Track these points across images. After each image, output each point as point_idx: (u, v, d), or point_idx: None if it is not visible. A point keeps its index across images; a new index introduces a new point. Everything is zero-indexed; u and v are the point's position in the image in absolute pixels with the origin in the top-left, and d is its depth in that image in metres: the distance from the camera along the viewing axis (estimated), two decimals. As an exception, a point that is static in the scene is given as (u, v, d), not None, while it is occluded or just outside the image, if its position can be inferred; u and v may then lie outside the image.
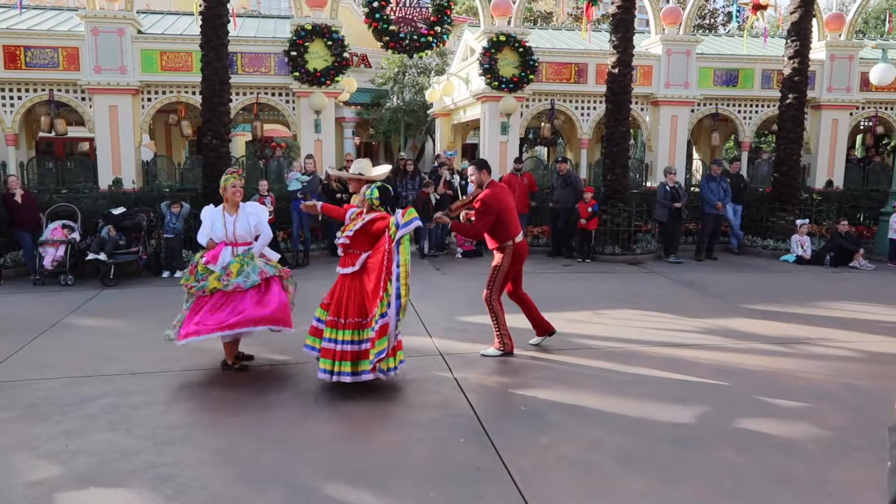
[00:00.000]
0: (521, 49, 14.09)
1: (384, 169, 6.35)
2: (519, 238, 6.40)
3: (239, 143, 24.36)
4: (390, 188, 5.69)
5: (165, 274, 10.65)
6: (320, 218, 11.76)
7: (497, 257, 6.44)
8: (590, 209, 12.14)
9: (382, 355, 5.21)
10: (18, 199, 10.21)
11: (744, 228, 13.72)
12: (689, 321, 7.88)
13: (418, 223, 5.33)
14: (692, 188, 14.80)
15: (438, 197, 12.38)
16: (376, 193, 5.52)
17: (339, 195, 12.07)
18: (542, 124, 15.43)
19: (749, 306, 8.67)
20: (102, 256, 9.96)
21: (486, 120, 14.63)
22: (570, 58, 14.86)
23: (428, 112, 21.34)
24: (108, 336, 7.24)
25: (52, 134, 13.71)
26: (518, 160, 13.30)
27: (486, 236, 6.38)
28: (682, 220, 12.54)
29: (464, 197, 6.60)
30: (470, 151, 25.43)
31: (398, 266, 5.22)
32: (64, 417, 4.95)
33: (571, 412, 5.08)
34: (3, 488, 3.91)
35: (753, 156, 17.06)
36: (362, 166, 6.10)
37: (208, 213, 5.98)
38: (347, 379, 5.29)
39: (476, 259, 12.33)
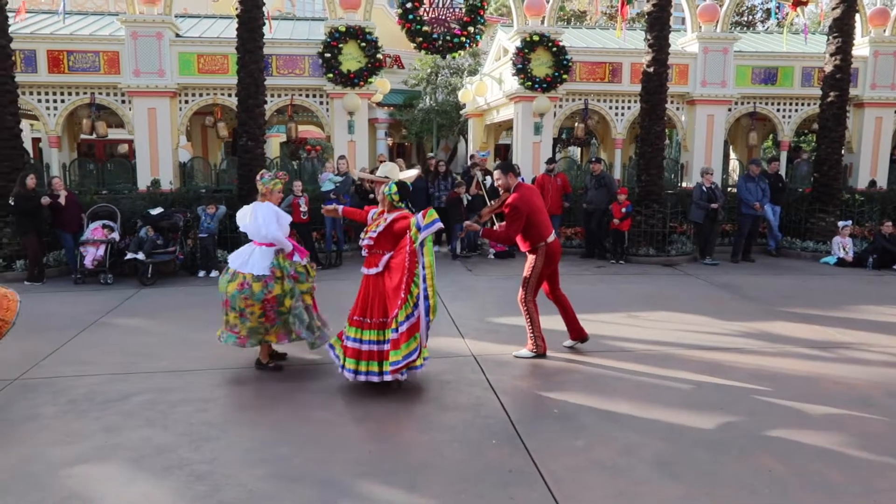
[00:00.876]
0: (554, 49, 14.01)
1: (412, 173, 6.37)
2: (551, 238, 6.37)
3: (273, 145, 24.64)
4: (409, 184, 5.70)
5: (201, 273, 10.82)
6: (342, 222, 11.85)
7: (531, 259, 6.42)
8: (623, 210, 12.02)
9: (413, 357, 5.21)
10: (62, 200, 10.46)
11: (782, 230, 13.46)
12: (725, 324, 7.76)
13: (440, 225, 5.31)
14: (729, 189, 14.56)
15: (470, 198, 12.36)
16: (394, 188, 5.52)
17: (371, 195, 12.12)
18: (576, 124, 15.33)
19: (788, 309, 8.50)
20: (141, 256, 10.15)
21: (519, 120, 14.58)
22: (604, 57, 14.73)
23: (461, 113, 21.34)
24: (146, 334, 7.38)
25: (93, 136, 14.02)
26: (551, 160, 13.22)
27: (519, 239, 6.36)
28: (718, 222, 12.34)
29: (492, 202, 6.57)
30: (503, 152, 25.36)
31: (424, 268, 5.24)
32: (103, 413, 5.05)
33: (605, 415, 5.03)
34: (44, 482, 4.01)
35: (793, 155, 16.75)
36: (389, 169, 6.11)
37: (272, 209, 5.94)
38: (375, 378, 5.32)
39: (508, 260, 12.29)
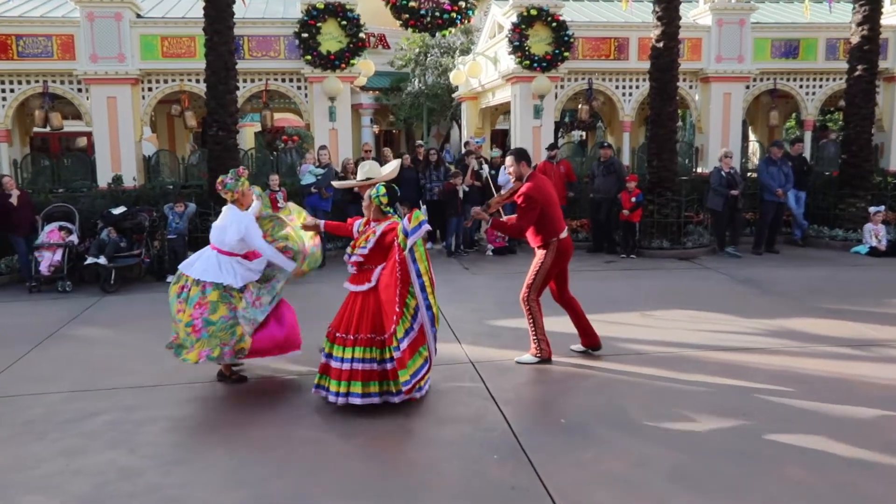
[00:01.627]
0: (554, 24, 14.00)
1: (393, 165, 6.33)
2: (564, 234, 6.38)
3: (247, 135, 24.59)
4: (396, 188, 5.64)
5: (170, 278, 10.70)
6: (322, 235, 11.76)
7: (540, 254, 6.42)
8: (633, 199, 12.01)
9: (422, 372, 5.20)
10: (14, 200, 10.39)
11: (808, 217, 13.47)
12: (748, 322, 7.75)
13: (427, 228, 5.26)
14: (749, 174, 14.57)
15: (467, 189, 12.33)
16: (383, 190, 5.43)
17: (357, 190, 12.09)
18: (580, 106, 15.31)
19: (816, 305, 8.50)
20: (102, 260, 10.10)
21: (517, 103, 14.56)
22: (609, 31, 14.73)
23: (453, 96, 21.33)
24: (110, 347, 7.35)
25: (47, 129, 13.95)
26: (553, 146, 13.21)
27: (530, 233, 6.36)
28: (739, 210, 12.35)
29: (501, 191, 6.55)
30: (500, 138, 25.35)
31: (419, 276, 5.19)
32: (63, 435, 5.02)
33: (617, 425, 5.02)
34: (-3, 513, 3.98)
35: (818, 136, 16.78)
36: (369, 169, 6.05)
37: (247, 218, 5.87)
38: (357, 401, 5.20)
39: (508, 257, 12.28)
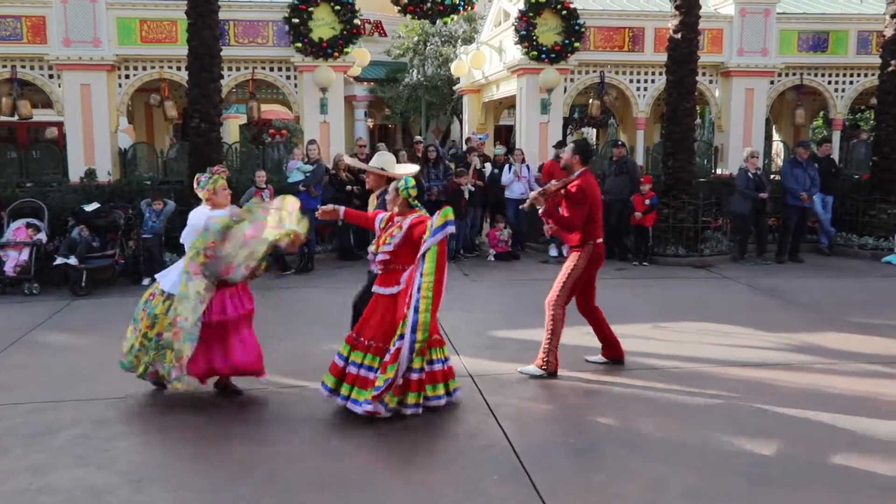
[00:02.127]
0: (564, 11, 14.01)
1: (411, 168, 6.37)
2: (600, 239, 6.51)
3: (232, 127, 24.58)
4: (423, 181, 5.67)
5: (145, 281, 10.73)
6: (339, 223, 11.77)
7: (573, 256, 6.49)
8: (647, 202, 12.02)
9: (388, 384, 5.13)
10: (-23, 194, 10.39)
11: (836, 224, 13.48)
12: (769, 336, 7.75)
13: (451, 229, 5.24)
14: (772, 176, 14.58)
15: (472, 189, 12.32)
16: (412, 183, 5.45)
17: (349, 187, 12.12)
18: (591, 101, 15.33)
19: (843, 318, 8.50)
20: (73, 261, 10.08)
21: (524, 97, 14.57)
22: (623, 21, 14.75)
23: (454, 89, 21.34)
24: (80, 354, 7.33)
25: (15, 118, 13.96)
26: (561, 144, 13.22)
27: (561, 228, 6.47)
28: (766, 214, 12.38)
29: (553, 181, 6.61)
30: (504, 134, 25.37)
31: (421, 275, 5.18)
32: (27, 450, 5.00)
33: (628, 445, 5.02)
34: (-45, 533, 3.97)
35: (848, 136, 16.77)
36: (385, 160, 6.11)
37: (207, 214, 5.88)
38: (358, 409, 5.27)
39: (511, 263, 12.28)
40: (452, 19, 15.07)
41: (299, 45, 13.48)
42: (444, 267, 5.27)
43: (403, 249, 5.37)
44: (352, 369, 5.37)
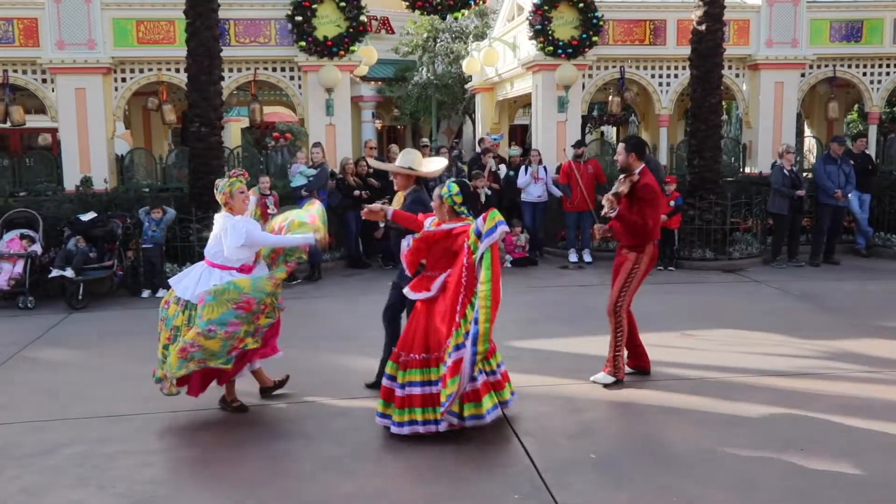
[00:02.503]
0: (580, 4, 14.01)
1: (440, 163, 6.39)
2: (657, 240, 6.61)
3: (233, 131, 24.71)
4: (469, 184, 5.66)
5: (145, 293, 10.82)
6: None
7: (632, 258, 6.52)
8: (672, 203, 11.99)
9: (451, 399, 5.10)
10: (-31, 205, 10.47)
11: (873, 223, 13.41)
12: (804, 343, 7.73)
13: (505, 229, 5.17)
14: (805, 174, 14.51)
15: (489, 192, 12.32)
16: (455, 189, 5.42)
17: (357, 192, 12.15)
18: (610, 98, 15.31)
19: (882, 324, 8.46)
20: (69, 273, 10.14)
21: (539, 94, 14.57)
22: (643, 13, 14.74)
23: (465, 87, 21.38)
24: (77, 370, 7.38)
25: (7, 124, 14.04)
26: (580, 144, 13.21)
27: (626, 231, 6.50)
28: (803, 213, 12.33)
29: (620, 183, 6.61)
30: (519, 134, 25.39)
31: (479, 283, 5.11)
32: (24, 471, 5.03)
33: (655, 461, 5.00)
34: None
35: (885, 129, 16.66)
36: (412, 158, 6.12)
37: (244, 221, 5.91)
38: (420, 429, 5.27)
39: (529, 269, 12.28)
40: (463, 14, 15.09)
41: (303, 44, 13.52)
42: (499, 273, 5.22)
43: (441, 255, 5.36)
44: (400, 391, 5.36)
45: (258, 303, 5.69)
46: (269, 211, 11.10)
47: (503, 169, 13.45)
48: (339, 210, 12.06)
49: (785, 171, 12.08)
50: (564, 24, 14.09)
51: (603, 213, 6.63)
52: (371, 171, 12.55)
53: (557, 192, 12.88)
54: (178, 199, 11.83)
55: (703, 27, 12.44)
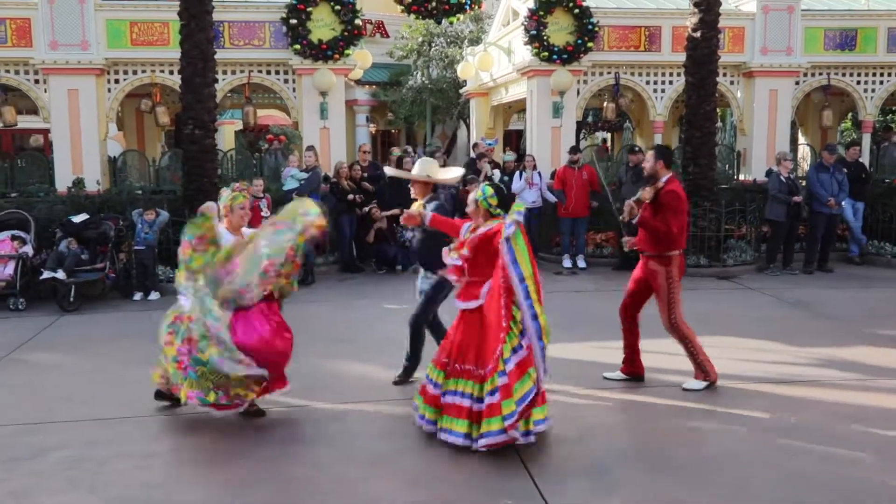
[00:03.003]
0: (576, 10, 14.03)
1: (456, 172, 6.40)
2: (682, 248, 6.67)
3: (227, 134, 24.65)
4: (503, 186, 5.65)
5: (137, 296, 10.79)
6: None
7: (663, 272, 6.53)
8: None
9: (529, 398, 4.97)
10: (-40, 205, 10.44)
11: (867, 232, 13.46)
12: (798, 351, 7.75)
13: (519, 218, 5.13)
14: (800, 182, 14.56)
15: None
16: (490, 191, 5.38)
17: (351, 197, 12.15)
18: (605, 104, 15.33)
19: (876, 331, 8.48)
20: (60, 275, 10.12)
21: (534, 100, 14.59)
22: (638, 19, 14.77)
23: (460, 92, 21.41)
24: (69, 373, 7.35)
25: (-1, 125, 14.03)
26: (575, 150, 13.24)
27: (650, 238, 6.51)
28: (801, 220, 12.38)
29: (646, 188, 6.61)
30: (513, 139, 25.43)
31: (522, 280, 5.04)
32: (12, 475, 5.01)
33: (648, 467, 5.01)
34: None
35: (879, 138, 16.73)
36: (429, 166, 6.13)
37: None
38: (459, 441, 5.19)
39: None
40: (458, 19, 15.09)
41: (298, 46, 13.51)
42: (535, 266, 5.20)
43: (482, 261, 5.32)
44: (448, 398, 5.31)
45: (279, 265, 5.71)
46: (262, 214, 11.12)
47: (497, 174, 13.45)
48: (332, 214, 12.04)
49: (782, 177, 12.12)
50: (559, 30, 14.11)
51: (621, 218, 6.65)
52: (365, 175, 12.57)
53: (552, 198, 12.91)
54: (171, 201, 11.80)
55: (698, 34, 12.49)
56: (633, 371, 6.79)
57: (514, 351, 5.03)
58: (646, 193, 6.49)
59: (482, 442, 5.06)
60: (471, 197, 5.51)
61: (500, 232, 5.14)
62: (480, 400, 5.15)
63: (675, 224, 6.40)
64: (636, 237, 6.65)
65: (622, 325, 6.83)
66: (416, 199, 6.42)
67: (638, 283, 6.76)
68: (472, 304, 5.35)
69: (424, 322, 6.46)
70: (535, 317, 5.04)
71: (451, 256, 5.49)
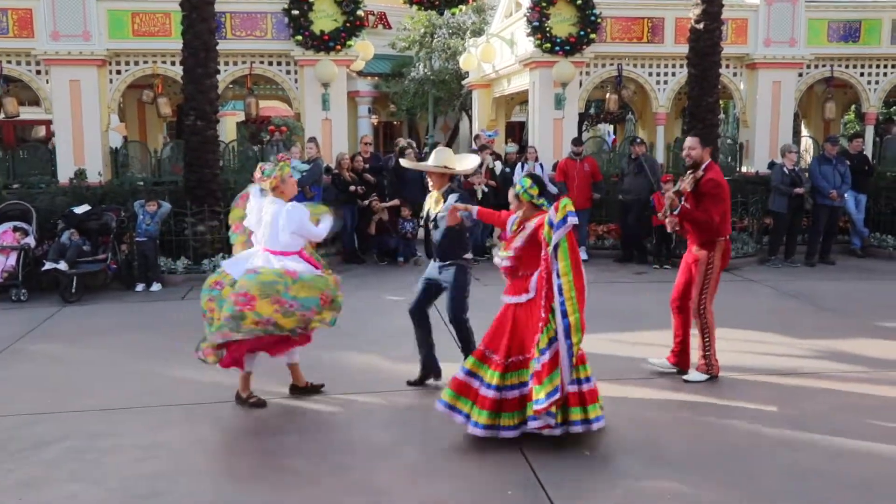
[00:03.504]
0: (579, 1, 14.02)
1: (473, 160, 6.36)
2: (729, 234, 6.66)
3: (228, 125, 24.69)
4: (541, 177, 5.62)
5: (139, 287, 10.80)
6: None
7: (704, 256, 6.52)
8: (669, 201, 12.01)
9: (555, 396, 4.94)
10: (-38, 197, 10.45)
11: (869, 224, 13.46)
12: (800, 342, 7.76)
13: (574, 220, 5.03)
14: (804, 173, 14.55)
15: (486, 189, 12.30)
16: (528, 183, 5.35)
17: (353, 188, 12.14)
18: (608, 96, 15.32)
19: (878, 323, 8.49)
20: (63, 266, 10.13)
21: (537, 91, 14.58)
22: (641, 11, 14.73)
23: (462, 83, 21.38)
24: (71, 364, 7.36)
25: (1, 116, 14.02)
26: (577, 141, 13.23)
27: (694, 228, 6.52)
28: (804, 212, 12.38)
29: (683, 179, 6.64)
30: (516, 131, 25.41)
31: (558, 276, 5.01)
32: (17, 465, 5.03)
33: (650, 459, 5.02)
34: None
35: (882, 130, 16.71)
36: (446, 157, 6.10)
37: (298, 208, 5.91)
38: (479, 432, 5.16)
39: (525, 266, 12.27)
40: (461, 10, 15.06)
41: (300, 38, 13.50)
42: (579, 262, 5.12)
43: (530, 254, 5.29)
44: (486, 392, 5.22)
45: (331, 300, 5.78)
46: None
47: (499, 166, 13.45)
48: (333, 205, 12.04)
49: (785, 169, 12.12)
50: (562, 21, 14.09)
51: (661, 213, 6.65)
52: (366, 166, 12.56)
53: (554, 190, 12.89)
54: (172, 192, 11.82)
55: (701, 25, 12.45)
56: (681, 363, 6.78)
57: (550, 343, 5.01)
58: (686, 183, 6.51)
59: (532, 425, 5.06)
60: (511, 193, 5.48)
61: (543, 225, 5.10)
62: (524, 385, 5.16)
63: (716, 212, 6.39)
64: (678, 218, 6.60)
65: (674, 316, 6.82)
66: (432, 191, 6.37)
67: (686, 272, 6.74)
68: (523, 298, 5.30)
69: (463, 315, 6.33)
70: (564, 314, 4.98)
71: (499, 256, 5.47)
